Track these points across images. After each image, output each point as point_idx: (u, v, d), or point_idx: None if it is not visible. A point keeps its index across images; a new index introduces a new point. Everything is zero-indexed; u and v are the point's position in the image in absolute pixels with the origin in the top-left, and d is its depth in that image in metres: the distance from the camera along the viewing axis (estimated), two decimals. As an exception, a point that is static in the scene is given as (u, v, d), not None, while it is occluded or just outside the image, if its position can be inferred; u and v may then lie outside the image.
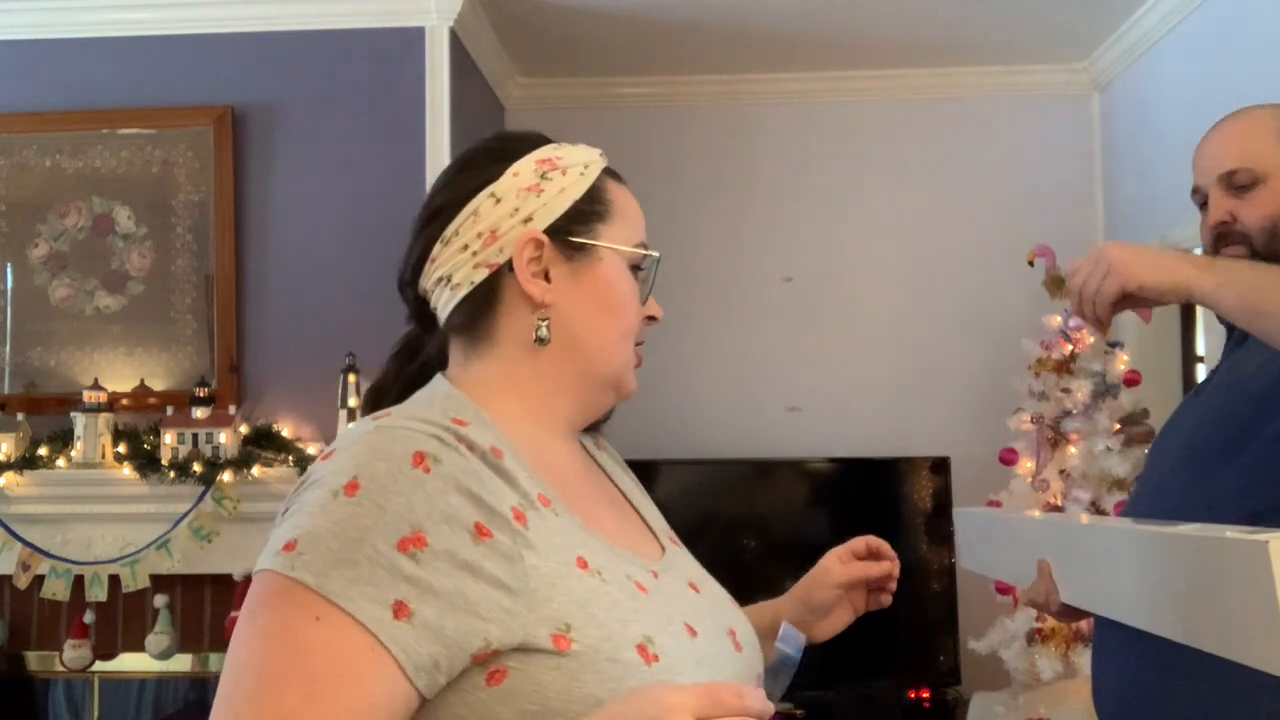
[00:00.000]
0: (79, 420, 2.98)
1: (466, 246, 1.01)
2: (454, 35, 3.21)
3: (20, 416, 3.09)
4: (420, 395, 1.03)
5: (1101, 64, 3.77)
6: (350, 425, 0.96)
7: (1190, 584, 1.15)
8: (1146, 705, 1.52)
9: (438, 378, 1.04)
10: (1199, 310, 3.27)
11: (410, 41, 3.17)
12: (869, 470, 3.64)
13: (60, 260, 3.22)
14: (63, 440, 3.04)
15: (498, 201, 1.01)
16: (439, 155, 3.10)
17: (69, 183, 3.22)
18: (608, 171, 1.08)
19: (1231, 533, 1.08)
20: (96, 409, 2.99)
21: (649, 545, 1.07)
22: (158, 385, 3.18)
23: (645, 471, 3.40)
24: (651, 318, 1.10)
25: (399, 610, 0.82)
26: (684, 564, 1.08)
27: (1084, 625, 2.83)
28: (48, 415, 3.12)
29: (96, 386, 3.03)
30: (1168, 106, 3.37)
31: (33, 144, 3.22)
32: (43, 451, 3.02)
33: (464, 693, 0.85)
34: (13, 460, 2.99)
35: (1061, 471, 3.18)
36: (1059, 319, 3.29)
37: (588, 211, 1.03)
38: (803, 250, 3.94)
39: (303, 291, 3.16)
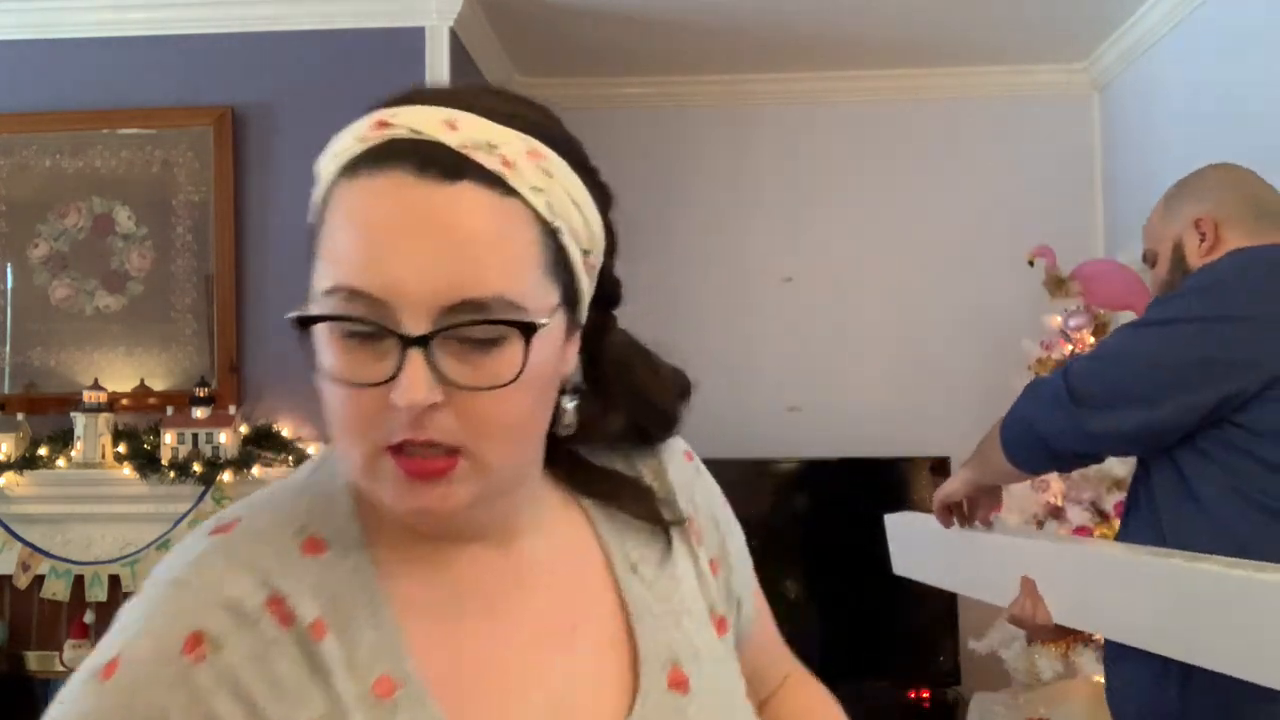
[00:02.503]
0: (79, 420, 2.98)
1: None
2: (454, 35, 3.21)
3: (20, 416, 3.09)
4: (313, 464, 0.81)
5: (1101, 64, 3.77)
6: (189, 533, 0.75)
7: (1208, 615, 1.26)
8: (1165, 707, 1.54)
9: None
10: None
11: (410, 41, 3.17)
12: (869, 470, 3.63)
13: (60, 260, 3.21)
14: (63, 440, 3.03)
15: None
16: (439, 155, 3.10)
17: (69, 183, 3.21)
18: (368, 157, 0.68)
19: (1246, 571, 1.21)
20: (96, 409, 2.99)
21: (608, 698, 0.76)
22: (158, 385, 3.18)
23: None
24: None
25: None
26: None
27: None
28: (48, 415, 3.11)
29: (96, 386, 3.03)
30: (1168, 107, 3.37)
31: (33, 144, 3.22)
32: (43, 451, 3.02)
33: None
34: (13, 460, 2.99)
35: (1061, 471, 3.18)
36: (1059, 319, 3.29)
37: (312, 247, 0.72)
38: (803, 250, 3.94)
39: (303, 292, 3.14)
